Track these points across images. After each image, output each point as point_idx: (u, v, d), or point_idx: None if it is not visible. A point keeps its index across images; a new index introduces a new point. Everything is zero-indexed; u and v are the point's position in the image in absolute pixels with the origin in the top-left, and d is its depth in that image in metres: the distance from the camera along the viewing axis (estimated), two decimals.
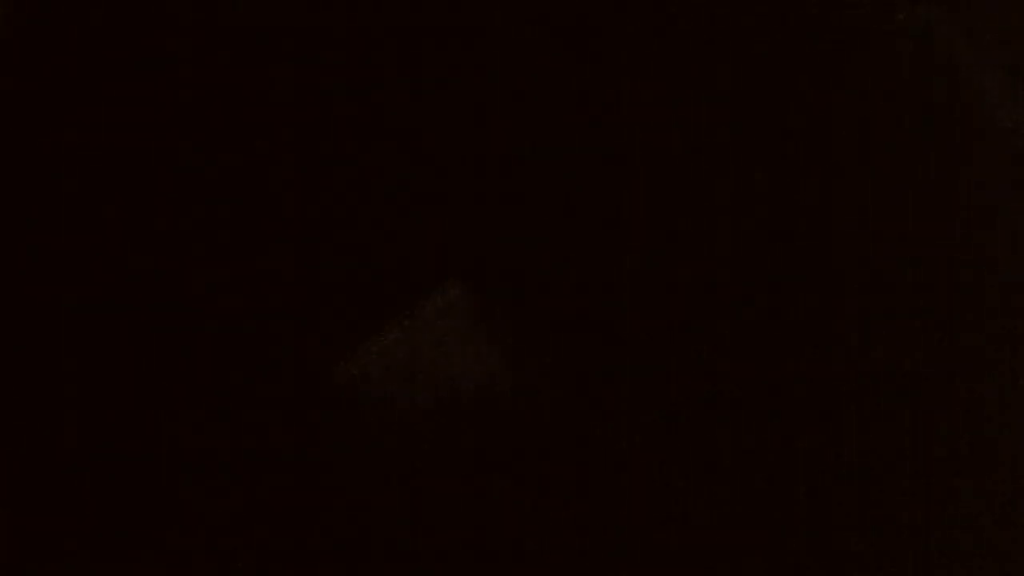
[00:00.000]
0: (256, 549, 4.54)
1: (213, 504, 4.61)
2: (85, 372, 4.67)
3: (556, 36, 5.21)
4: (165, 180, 4.95)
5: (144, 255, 4.80)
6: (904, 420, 5.07)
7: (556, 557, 4.82)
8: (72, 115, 5.30)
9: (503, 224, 5.09)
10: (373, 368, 4.90)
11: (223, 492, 4.62)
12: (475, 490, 4.71)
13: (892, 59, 5.23)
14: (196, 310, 4.88)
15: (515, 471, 4.75)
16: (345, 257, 4.87)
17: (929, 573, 4.79)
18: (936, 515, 4.87)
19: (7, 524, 4.94)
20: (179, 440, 4.63)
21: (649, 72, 5.24)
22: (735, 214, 5.27)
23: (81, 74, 5.24)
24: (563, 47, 5.19)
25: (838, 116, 5.25)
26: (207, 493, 4.63)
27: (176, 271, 4.79)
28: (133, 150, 4.99)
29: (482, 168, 5.11)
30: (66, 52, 5.20)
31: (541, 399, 4.92)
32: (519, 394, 4.81)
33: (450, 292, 4.77)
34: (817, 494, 5.02)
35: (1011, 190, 5.13)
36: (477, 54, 5.12)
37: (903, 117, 5.21)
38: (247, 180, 4.89)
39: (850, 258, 5.17)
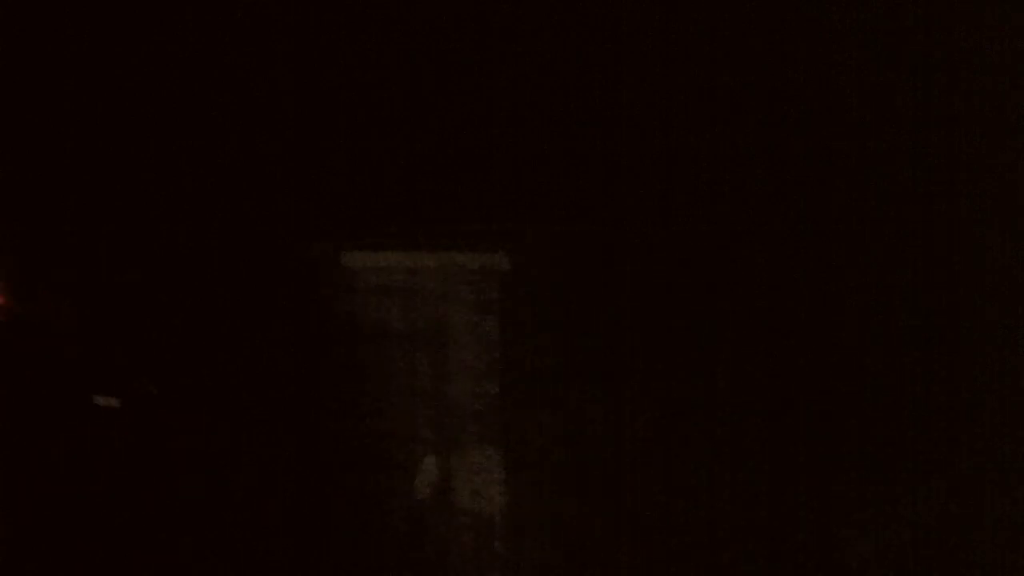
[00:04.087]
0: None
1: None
2: None
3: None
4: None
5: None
6: (904, 420, 5.05)
7: None
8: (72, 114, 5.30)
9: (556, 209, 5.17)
10: (376, 276, 5.00)
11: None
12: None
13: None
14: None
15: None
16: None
17: (929, 570, 4.78)
18: (936, 513, 4.86)
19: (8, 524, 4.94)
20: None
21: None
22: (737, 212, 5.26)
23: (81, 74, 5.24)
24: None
25: (836, 114, 5.23)
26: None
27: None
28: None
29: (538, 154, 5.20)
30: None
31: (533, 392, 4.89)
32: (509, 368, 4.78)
33: (499, 259, 4.79)
34: (816, 493, 5.01)
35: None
36: None
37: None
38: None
39: (850, 258, 5.16)
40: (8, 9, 5.13)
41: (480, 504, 4.77)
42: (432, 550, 4.79)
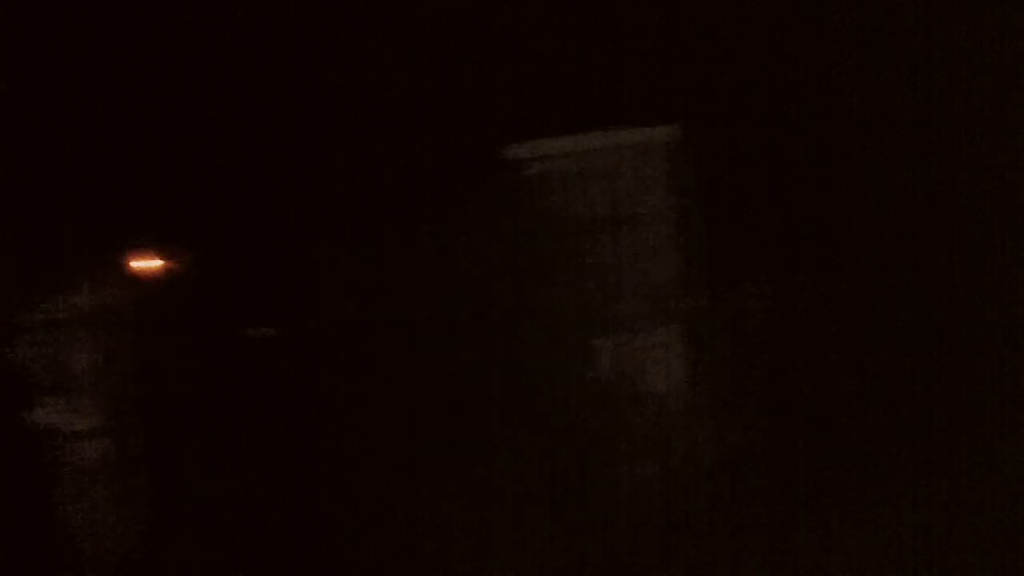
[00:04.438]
0: None
1: None
2: None
3: None
4: None
5: None
6: (904, 419, 5.05)
7: None
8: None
9: None
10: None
11: None
12: None
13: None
14: None
15: None
16: None
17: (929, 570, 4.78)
18: (936, 513, 4.86)
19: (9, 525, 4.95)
20: None
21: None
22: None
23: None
24: None
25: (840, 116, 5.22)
26: None
27: None
28: None
29: None
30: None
31: None
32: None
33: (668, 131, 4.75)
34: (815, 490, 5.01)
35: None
36: None
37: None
38: None
39: (850, 258, 5.16)
40: (8, 9, 5.13)
41: (661, 382, 4.72)
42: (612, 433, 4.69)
